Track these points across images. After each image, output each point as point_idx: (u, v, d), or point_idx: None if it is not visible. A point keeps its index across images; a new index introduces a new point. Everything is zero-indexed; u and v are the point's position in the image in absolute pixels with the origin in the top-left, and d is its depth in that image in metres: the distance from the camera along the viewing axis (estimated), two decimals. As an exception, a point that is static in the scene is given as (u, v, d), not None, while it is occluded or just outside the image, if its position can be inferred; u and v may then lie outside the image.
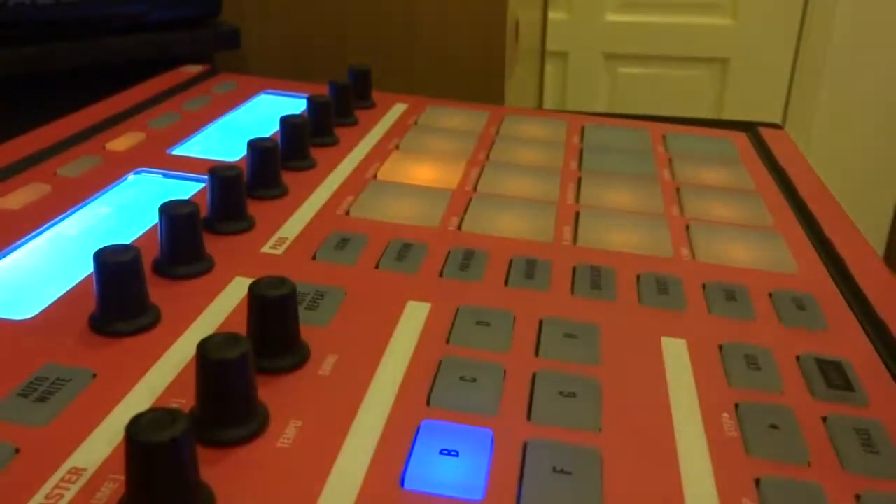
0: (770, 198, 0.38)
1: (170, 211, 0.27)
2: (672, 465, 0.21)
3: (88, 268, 0.26)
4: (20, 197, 0.32)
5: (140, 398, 0.22)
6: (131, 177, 0.36)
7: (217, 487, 0.19)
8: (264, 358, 0.23)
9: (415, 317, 0.26)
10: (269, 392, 0.22)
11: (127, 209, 0.33)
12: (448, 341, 0.25)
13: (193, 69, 0.51)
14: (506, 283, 0.29)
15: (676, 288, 0.29)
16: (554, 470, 0.20)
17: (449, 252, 0.30)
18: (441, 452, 0.20)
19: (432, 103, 0.48)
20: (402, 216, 0.33)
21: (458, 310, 0.26)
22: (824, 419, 0.23)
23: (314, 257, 0.29)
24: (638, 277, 0.30)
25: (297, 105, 0.46)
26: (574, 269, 0.30)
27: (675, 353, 0.25)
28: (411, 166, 0.38)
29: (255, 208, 0.32)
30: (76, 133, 0.39)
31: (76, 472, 0.19)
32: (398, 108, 0.46)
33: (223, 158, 0.37)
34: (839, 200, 0.38)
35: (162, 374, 0.22)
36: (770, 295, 0.29)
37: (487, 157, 0.40)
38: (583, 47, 1.39)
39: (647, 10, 1.34)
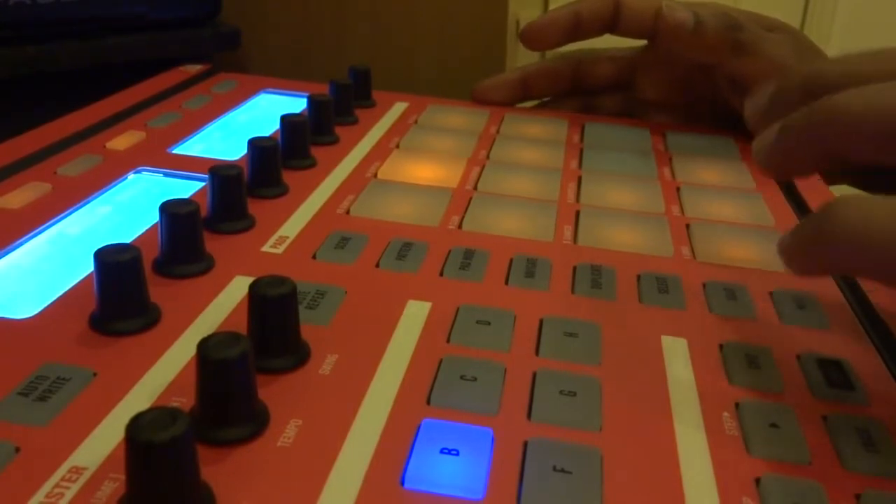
0: (771, 197, 0.38)
1: (170, 210, 0.27)
2: (672, 464, 0.21)
3: (89, 267, 0.26)
4: (20, 196, 0.32)
5: (140, 397, 0.22)
6: (131, 176, 0.36)
7: (217, 487, 0.19)
8: (264, 357, 0.23)
9: (415, 316, 0.26)
10: (270, 391, 0.22)
11: (127, 208, 0.33)
12: (448, 340, 0.25)
13: (193, 68, 0.51)
14: (506, 282, 0.29)
15: (677, 287, 0.29)
16: (554, 469, 0.20)
17: (449, 251, 0.30)
18: (441, 451, 0.20)
19: (433, 102, 0.48)
20: (402, 215, 0.33)
21: (458, 309, 0.26)
22: (825, 418, 0.23)
23: (314, 256, 0.29)
24: (638, 276, 0.30)
25: (297, 104, 0.46)
26: (574, 269, 0.30)
27: (676, 352, 0.25)
28: (412, 165, 0.38)
29: (255, 207, 0.32)
30: (76, 132, 0.39)
31: (76, 471, 0.19)
32: (399, 108, 0.46)
33: (223, 157, 0.37)
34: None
35: (162, 374, 0.22)
36: (770, 294, 0.29)
37: (488, 156, 0.40)
38: (583, 46, 1.38)
39: (647, 9, 1.34)
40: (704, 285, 0.29)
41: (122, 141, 0.38)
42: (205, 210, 0.30)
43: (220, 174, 0.30)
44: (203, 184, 0.34)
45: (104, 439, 0.20)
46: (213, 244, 0.29)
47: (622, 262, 0.30)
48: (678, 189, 0.38)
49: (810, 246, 0.24)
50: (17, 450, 0.19)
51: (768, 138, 0.26)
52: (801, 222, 0.24)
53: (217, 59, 0.56)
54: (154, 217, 0.28)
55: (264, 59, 0.62)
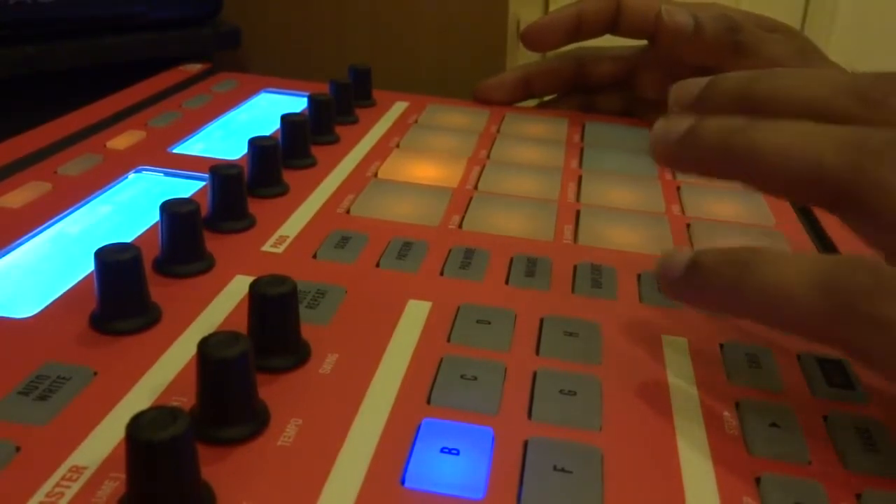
0: (771, 196, 0.38)
1: (170, 209, 0.27)
2: (673, 464, 0.21)
3: (89, 266, 0.26)
4: (20, 195, 0.32)
5: (140, 397, 0.22)
6: (132, 175, 0.36)
7: (218, 486, 0.19)
8: (265, 356, 0.23)
9: (415, 315, 0.26)
10: (270, 391, 0.22)
11: (127, 208, 0.33)
12: (449, 340, 0.25)
13: (193, 68, 0.51)
14: (506, 281, 0.29)
15: (677, 286, 0.29)
16: (555, 468, 0.20)
17: (450, 250, 0.30)
18: (442, 451, 0.20)
19: (433, 102, 0.48)
20: (402, 215, 0.33)
21: (458, 308, 0.26)
22: (825, 418, 0.23)
23: (315, 256, 0.29)
24: (639, 276, 0.30)
25: (297, 103, 0.46)
26: (575, 268, 0.30)
27: (676, 352, 0.25)
28: (412, 165, 0.38)
29: (255, 207, 0.32)
30: (76, 131, 0.39)
31: (77, 470, 0.19)
32: (399, 107, 0.46)
33: (224, 157, 0.37)
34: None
35: (162, 373, 0.22)
36: (771, 293, 0.29)
37: (488, 155, 0.40)
38: (582, 46, 1.38)
39: (647, 9, 1.34)
40: (705, 285, 0.29)
41: (122, 140, 0.38)
42: (205, 209, 0.30)
43: (221, 173, 0.30)
44: (203, 183, 0.34)
45: (104, 439, 0.20)
46: (214, 243, 0.29)
47: (622, 262, 0.30)
48: (678, 188, 0.38)
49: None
50: (18, 449, 0.19)
51: (674, 131, 0.26)
52: None
53: (217, 58, 0.56)
54: (154, 216, 0.28)
55: (264, 58, 0.62)
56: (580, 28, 0.46)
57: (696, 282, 0.23)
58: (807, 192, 0.23)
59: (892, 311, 0.20)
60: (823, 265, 0.21)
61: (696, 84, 0.28)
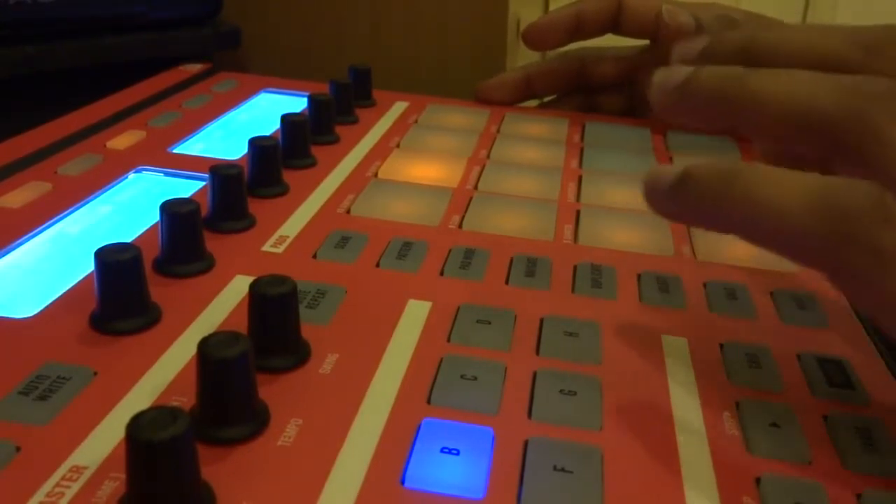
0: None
1: (170, 209, 0.27)
2: (673, 464, 0.21)
3: (89, 266, 0.26)
4: (20, 195, 0.32)
5: (141, 397, 0.22)
6: (132, 175, 0.36)
7: (218, 486, 0.19)
8: (265, 356, 0.23)
9: (415, 315, 0.26)
10: (270, 391, 0.22)
11: (127, 208, 0.33)
12: (449, 340, 0.25)
13: (194, 67, 0.51)
14: (507, 281, 0.29)
15: (677, 286, 0.29)
16: (555, 468, 0.20)
17: (450, 250, 0.30)
18: (442, 451, 0.20)
19: (433, 102, 0.48)
20: (402, 215, 0.33)
21: (458, 308, 0.26)
22: (825, 418, 0.23)
23: (315, 256, 0.29)
24: (639, 276, 0.30)
25: (297, 103, 0.46)
26: (575, 268, 0.30)
27: (676, 352, 0.25)
28: (412, 165, 0.38)
29: (255, 207, 0.32)
30: (76, 131, 0.39)
31: (77, 470, 0.19)
32: (399, 107, 0.46)
33: (224, 157, 0.37)
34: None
35: (162, 373, 0.22)
36: (771, 293, 0.29)
37: (488, 155, 0.40)
38: (584, 46, 1.38)
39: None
40: (705, 285, 0.29)
41: (122, 140, 0.38)
42: (205, 209, 0.30)
43: (221, 173, 0.30)
44: (203, 183, 0.34)
45: (104, 439, 0.20)
46: (214, 243, 0.29)
47: (622, 262, 0.30)
48: (678, 188, 0.38)
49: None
50: (18, 449, 0.19)
51: (673, 80, 0.26)
52: None
53: (217, 58, 0.56)
54: (154, 216, 0.28)
55: (264, 58, 0.62)
56: (580, 27, 0.46)
57: (684, 195, 0.22)
58: (802, 138, 0.23)
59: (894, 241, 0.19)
60: (822, 183, 0.20)
61: (699, 41, 0.27)
